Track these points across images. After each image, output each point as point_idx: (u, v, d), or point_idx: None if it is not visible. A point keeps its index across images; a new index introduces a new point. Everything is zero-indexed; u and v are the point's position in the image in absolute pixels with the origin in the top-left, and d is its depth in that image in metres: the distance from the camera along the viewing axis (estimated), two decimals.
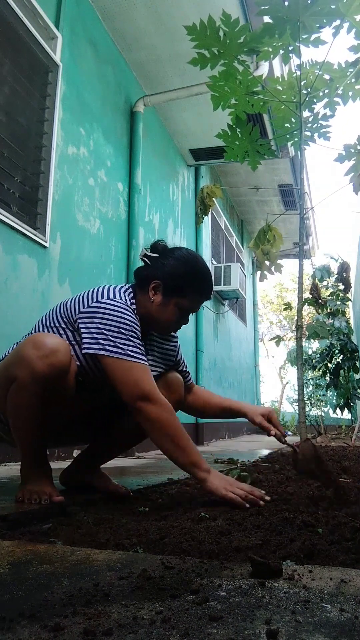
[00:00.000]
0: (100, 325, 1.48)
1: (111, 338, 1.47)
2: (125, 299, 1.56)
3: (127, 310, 1.52)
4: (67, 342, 1.52)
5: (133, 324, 1.51)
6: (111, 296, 1.54)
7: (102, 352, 1.46)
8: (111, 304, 1.51)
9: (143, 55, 4.41)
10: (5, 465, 2.71)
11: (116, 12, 3.95)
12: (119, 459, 3.31)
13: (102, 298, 1.54)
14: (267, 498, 1.49)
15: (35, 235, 2.99)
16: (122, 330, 1.48)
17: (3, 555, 0.96)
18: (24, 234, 2.89)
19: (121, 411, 1.76)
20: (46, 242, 3.11)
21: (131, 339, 1.49)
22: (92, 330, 1.48)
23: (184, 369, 1.87)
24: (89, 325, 1.49)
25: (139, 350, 1.49)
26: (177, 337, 1.85)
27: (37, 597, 0.75)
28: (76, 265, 3.49)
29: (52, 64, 3.29)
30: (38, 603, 0.72)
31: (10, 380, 1.45)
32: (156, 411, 1.45)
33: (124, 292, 1.60)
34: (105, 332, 1.47)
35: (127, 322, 1.50)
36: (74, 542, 1.09)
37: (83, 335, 1.49)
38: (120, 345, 1.46)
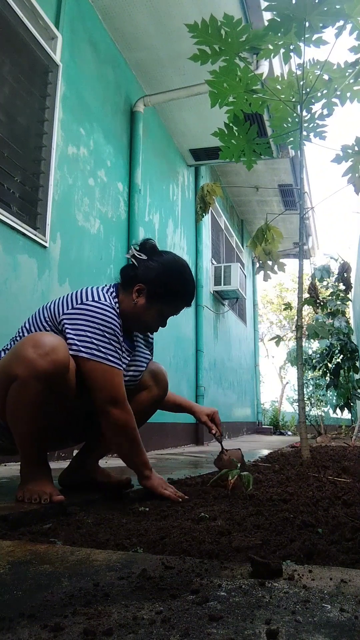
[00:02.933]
0: (84, 327, 1.52)
1: (94, 341, 1.51)
2: (110, 301, 1.59)
3: (111, 313, 1.55)
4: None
5: (116, 328, 1.55)
6: (96, 298, 1.57)
7: (82, 354, 1.50)
8: (96, 306, 1.54)
9: (143, 55, 4.41)
10: (5, 465, 2.71)
11: (116, 12, 3.95)
12: (118, 458, 3.31)
13: (87, 300, 1.56)
14: (186, 498, 1.69)
15: (35, 235, 2.99)
16: (105, 333, 1.52)
17: (3, 555, 0.96)
18: (24, 234, 2.89)
19: None
20: (46, 242, 3.11)
21: (112, 342, 1.54)
22: (76, 331, 1.51)
23: None
24: (73, 326, 1.52)
25: (117, 355, 1.55)
26: (152, 337, 1.95)
27: (37, 597, 0.75)
28: (76, 265, 3.49)
29: (52, 64, 3.29)
30: (38, 603, 0.72)
31: (9, 380, 1.45)
32: (124, 417, 1.55)
33: (108, 294, 1.64)
34: (89, 334, 1.51)
35: (111, 325, 1.54)
36: (74, 542, 1.09)
37: (67, 337, 1.52)
38: (102, 349, 1.51)
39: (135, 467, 1.68)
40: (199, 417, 1.94)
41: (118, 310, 1.61)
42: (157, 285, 1.65)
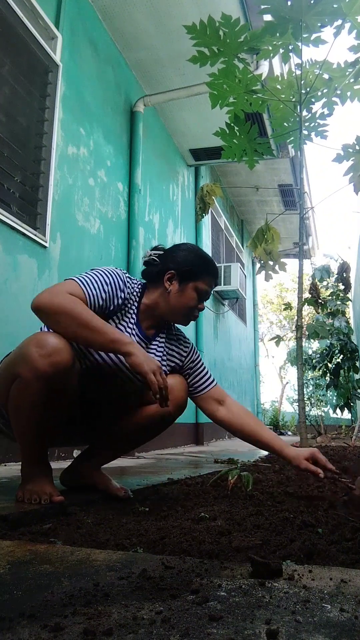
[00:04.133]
0: (85, 273, 1.60)
1: (84, 275, 1.57)
2: (120, 271, 1.67)
3: (112, 269, 1.64)
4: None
5: (110, 276, 1.60)
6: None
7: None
8: (101, 267, 1.65)
9: (143, 55, 4.41)
10: (5, 465, 2.71)
11: (116, 12, 3.95)
12: (119, 458, 3.31)
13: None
14: (169, 405, 1.49)
15: (35, 235, 2.99)
16: (99, 274, 1.58)
17: (3, 555, 0.96)
18: (24, 234, 2.89)
19: (124, 412, 1.76)
20: (46, 242, 3.11)
21: (102, 283, 1.56)
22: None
23: (201, 378, 1.81)
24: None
25: (95, 286, 1.53)
26: (189, 344, 1.85)
27: (37, 597, 0.75)
28: (76, 265, 3.49)
29: (52, 64, 3.29)
30: (38, 603, 0.72)
31: (13, 377, 1.45)
32: (51, 300, 1.41)
33: (131, 279, 1.71)
34: (84, 274, 1.59)
35: (104, 271, 1.60)
36: (74, 542, 1.09)
37: None
38: (79, 275, 1.56)
39: (108, 350, 1.45)
40: (298, 464, 1.60)
41: (129, 281, 1.67)
42: (186, 265, 1.71)
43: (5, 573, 0.86)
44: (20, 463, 1.58)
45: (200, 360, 1.85)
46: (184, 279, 1.70)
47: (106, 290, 1.56)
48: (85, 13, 3.81)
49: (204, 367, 1.84)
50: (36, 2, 3.15)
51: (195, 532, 1.15)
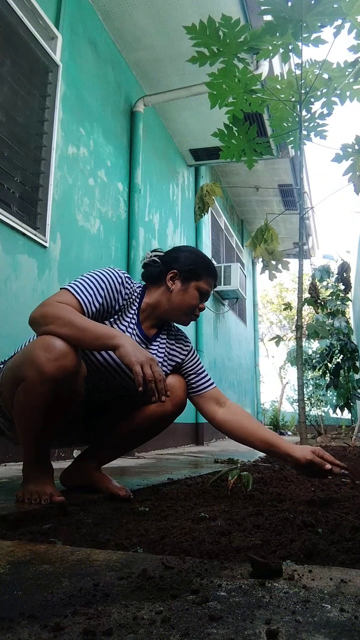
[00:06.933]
0: (81, 276, 1.62)
1: (79, 280, 1.58)
2: (118, 270, 1.68)
3: (109, 269, 1.65)
4: None
5: (106, 277, 1.61)
6: None
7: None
8: (99, 268, 1.66)
9: (143, 55, 4.41)
10: (5, 465, 2.71)
11: (116, 12, 3.95)
12: (119, 459, 3.31)
13: None
14: (168, 395, 1.43)
15: (35, 235, 2.99)
16: (92, 276, 1.59)
17: (3, 555, 0.96)
18: (24, 234, 2.89)
19: (124, 413, 1.76)
20: (46, 242, 3.11)
21: (95, 284, 1.57)
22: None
23: (201, 378, 1.82)
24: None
25: (88, 289, 1.55)
26: (189, 343, 1.86)
27: (37, 597, 0.75)
28: (76, 265, 3.49)
29: (52, 64, 3.29)
30: (38, 603, 0.72)
31: (19, 380, 1.45)
32: (40, 311, 1.46)
33: (130, 278, 1.72)
34: (80, 278, 1.60)
35: (100, 274, 1.61)
36: (74, 542, 1.09)
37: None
38: (73, 282, 1.56)
39: (98, 347, 1.45)
40: (304, 455, 1.57)
41: (133, 286, 1.69)
42: (187, 265, 1.74)
43: (5, 573, 0.86)
44: (22, 463, 1.58)
45: (200, 361, 1.88)
46: (187, 279, 1.73)
47: (102, 295, 1.57)
48: (85, 13, 3.81)
49: (204, 369, 1.86)
50: (36, 2, 3.15)
51: (195, 532, 1.15)
